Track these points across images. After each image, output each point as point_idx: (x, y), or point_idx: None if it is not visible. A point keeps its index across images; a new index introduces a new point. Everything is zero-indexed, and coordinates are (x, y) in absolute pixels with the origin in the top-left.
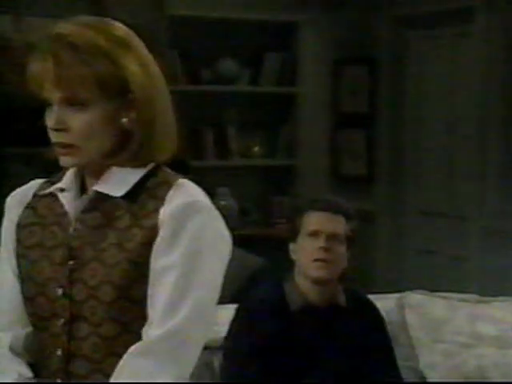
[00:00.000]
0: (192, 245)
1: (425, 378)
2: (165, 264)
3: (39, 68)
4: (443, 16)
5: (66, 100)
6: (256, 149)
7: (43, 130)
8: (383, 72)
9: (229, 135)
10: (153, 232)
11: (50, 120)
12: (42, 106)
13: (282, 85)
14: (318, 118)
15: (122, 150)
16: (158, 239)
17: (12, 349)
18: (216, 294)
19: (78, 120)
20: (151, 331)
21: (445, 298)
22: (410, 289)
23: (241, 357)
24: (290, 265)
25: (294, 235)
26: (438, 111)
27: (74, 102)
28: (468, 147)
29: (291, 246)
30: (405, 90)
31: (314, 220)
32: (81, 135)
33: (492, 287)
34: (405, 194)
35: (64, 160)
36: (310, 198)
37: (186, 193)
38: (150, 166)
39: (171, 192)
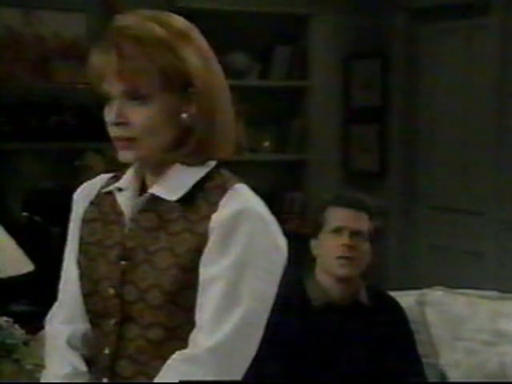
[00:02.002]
0: (241, 254)
1: (446, 376)
2: (213, 273)
3: (101, 60)
4: (457, 9)
5: (127, 94)
6: (266, 143)
7: (53, 125)
8: (396, 65)
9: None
10: (203, 238)
11: (109, 114)
12: (51, 102)
13: (293, 78)
14: (329, 112)
15: (182, 145)
16: (208, 247)
17: (70, 342)
18: (267, 306)
19: (139, 114)
20: (199, 340)
21: (465, 294)
22: (425, 286)
23: (261, 355)
24: (306, 261)
25: (315, 231)
26: (452, 105)
27: (135, 96)
28: (484, 140)
29: (312, 242)
30: (418, 83)
31: (337, 216)
32: (142, 129)
33: (510, 284)
34: (418, 189)
35: (123, 154)
36: (333, 194)
37: (238, 199)
38: (210, 167)
39: (225, 198)
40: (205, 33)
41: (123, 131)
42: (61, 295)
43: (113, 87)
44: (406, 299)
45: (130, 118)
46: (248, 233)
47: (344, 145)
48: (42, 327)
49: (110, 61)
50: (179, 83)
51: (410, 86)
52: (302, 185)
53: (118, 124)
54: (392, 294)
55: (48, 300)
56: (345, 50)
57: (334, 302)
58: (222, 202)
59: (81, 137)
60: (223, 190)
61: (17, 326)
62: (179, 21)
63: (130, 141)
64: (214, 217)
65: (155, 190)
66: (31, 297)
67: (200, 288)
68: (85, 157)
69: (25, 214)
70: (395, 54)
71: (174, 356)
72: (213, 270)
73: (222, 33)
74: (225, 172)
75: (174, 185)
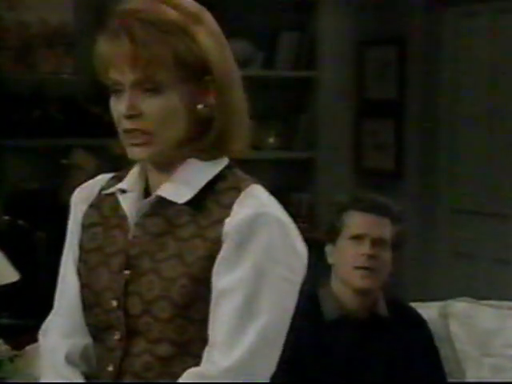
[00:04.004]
0: (259, 262)
1: None
2: (228, 284)
3: (110, 47)
4: None
5: (139, 83)
6: (271, 140)
7: (37, 119)
8: (414, 53)
9: None
10: (216, 245)
11: (119, 106)
12: (35, 93)
13: (300, 68)
14: (340, 106)
15: (197, 140)
16: (221, 254)
17: (68, 358)
18: (287, 318)
19: (152, 105)
20: (215, 359)
21: (493, 306)
22: (448, 297)
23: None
24: (318, 269)
25: (332, 236)
26: (476, 97)
27: (148, 86)
28: (510, 138)
29: (328, 248)
30: (438, 73)
31: (357, 222)
32: (156, 122)
33: None
34: (437, 191)
35: (134, 152)
36: (351, 196)
37: (254, 202)
38: (222, 165)
39: (239, 200)
40: None
41: (136, 124)
42: (57, 306)
43: (124, 76)
44: (427, 311)
45: (142, 110)
46: (265, 239)
47: (356, 141)
48: (27, 342)
49: (121, 47)
50: (196, 71)
51: (430, 77)
52: (309, 185)
53: (129, 117)
54: (412, 305)
55: (33, 312)
56: (357, 37)
57: (351, 315)
58: (236, 205)
59: (68, 132)
60: (237, 191)
61: (1, 341)
62: (190, 3)
63: (144, 135)
64: (228, 221)
65: (162, 191)
66: (14, 309)
67: (213, 300)
68: (72, 154)
69: (6, 217)
70: (413, 40)
71: (185, 374)
72: (227, 281)
73: (223, 19)
74: (238, 171)
75: (182, 186)
